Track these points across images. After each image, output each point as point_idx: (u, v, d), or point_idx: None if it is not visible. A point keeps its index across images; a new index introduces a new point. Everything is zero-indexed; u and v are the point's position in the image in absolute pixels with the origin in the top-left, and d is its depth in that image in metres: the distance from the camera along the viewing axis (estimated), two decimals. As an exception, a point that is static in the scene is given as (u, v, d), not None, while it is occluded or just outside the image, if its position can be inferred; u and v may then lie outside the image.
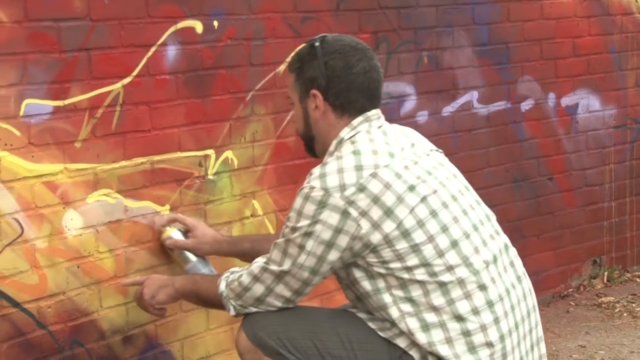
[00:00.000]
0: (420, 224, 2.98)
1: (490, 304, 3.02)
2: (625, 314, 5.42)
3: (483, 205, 3.19)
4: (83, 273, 3.68)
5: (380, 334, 3.04)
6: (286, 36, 4.32)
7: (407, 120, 4.87)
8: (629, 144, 5.99)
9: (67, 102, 3.61)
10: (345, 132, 3.10)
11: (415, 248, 2.97)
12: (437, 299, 2.98)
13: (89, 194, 3.69)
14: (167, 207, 3.95)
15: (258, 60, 4.23)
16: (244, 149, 4.21)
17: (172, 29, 3.92)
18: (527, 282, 3.17)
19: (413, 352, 3.00)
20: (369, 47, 3.18)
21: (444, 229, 3.01)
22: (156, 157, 3.91)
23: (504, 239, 3.20)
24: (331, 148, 3.13)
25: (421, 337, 2.97)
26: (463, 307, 2.99)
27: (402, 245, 2.97)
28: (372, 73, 3.11)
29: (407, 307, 2.99)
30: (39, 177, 3.54)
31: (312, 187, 3.02)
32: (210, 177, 4.10)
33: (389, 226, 2.95)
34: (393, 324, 3.02)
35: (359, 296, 3.09)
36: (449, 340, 2.97)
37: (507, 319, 3.04)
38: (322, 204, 2.97)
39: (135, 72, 3.81)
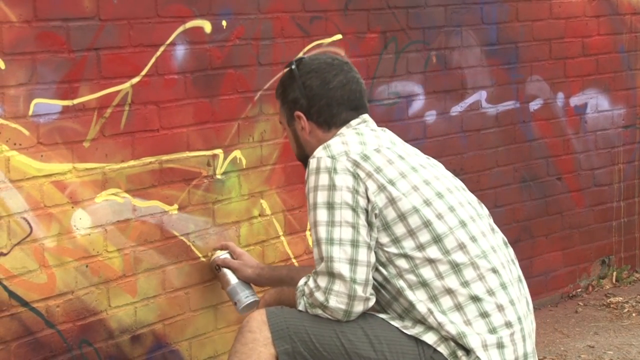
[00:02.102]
0: (427, 202, 3.06)
1: (503, 286, 3.07)
2: (634, 314, 5.41)
3: (477, 205, 3.21)
4: (92, 272, 3.69)
5: (406, 332, 3.04)
6: (295, 36, 4.33)
7: (416, 120, 4.87)
8: (638, 144, 5.98)
9: (76, 101, 3.62)
10: (343, 130, 3.20)
11: (428, 223, 3.03)
12: (451, 281, 3.01)
13: (97, 194, 3.69)
14: (176, 206, 3.96)
15: (266, 60, 4.23)
16: (252, 148, 4.21)
17: (180, 29, 3.93)
18: (526, 287, 3.20)
19: (442, 349, 3.00)
20: (347, 61, 3.27)
21: (451, 210, 3.09)
22: (165, 157, 3.91)
23: (503, 236, 3.23)
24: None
25: (439, 317, 2.98)
26: (478, 288, 3.03)
27: (414, 220, 3.02)
28: (351, 85, 3.21)
29: (421, 293, 3.01)
30: (48, 177, 3.55)
31: (319, 158, 3.08)
32: (219, 176, 4.11)
33: (394, 191, 3.02)
34: (415, 311, 3.01)
35: (377, 289, 3.09)
36: (467, 323, 2.99)
37: (520, 304, 3.08)
38: (333, 170, 3.04)
39: (144, 72, 3.82)
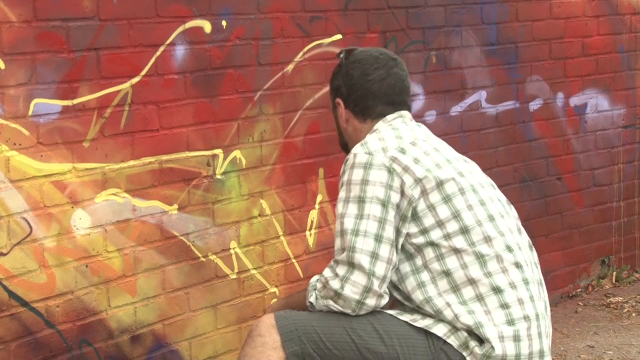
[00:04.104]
0: (462, 191, 3.10)
1: (525, 282, 3.09)
2: (633, 314, 5.41)
3: (505, 204, 3.25)
4: (91, 272, 3.69)
5: (414, 324, 3.05)
6: (294, 36, 4.33)
7: (415, 120, 4.86)
8: (638, 144, 5.98)
9: (75, 101, 3.62)
10: (379, 125, 3.23)
11: (457, 214, 3.06)
12: (475, 271, 3.03)
13: (97, 194, 3.69)
14: (175, 206, 3.96)
15: (266, 60, 4.23)
16: (252, 148, 4.21)
17: (180, 29, 3.93)
18: (545, 291, 3.22)
19: (452, 340, 3.02)
20: (395, 57, 3.29)
21: (482, 203, 3.13)
22: (164, 157, 3.91)
23: (529, 240, 3.26)
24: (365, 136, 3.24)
25: (457, 309, 3.00)
26: (500, 279, 3.06)
27: (443, 210, 3.06)
28: (390, 80, 3.25)
29: (443, 284, 3.04)
30: (48, 177, 3.55)
31: (356, 154, 3.12)
32: (219, 176, 4.11)
33: (429, 182, 3.05)
34: (429, 305, 3.03)
35: (394, 284, 3.11)
36: (487, 313, 3.02)
37: (539, 302, 3.11)
38: (368, 166, 3.07)
39: (143, 72, 3.82)
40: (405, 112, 3.27)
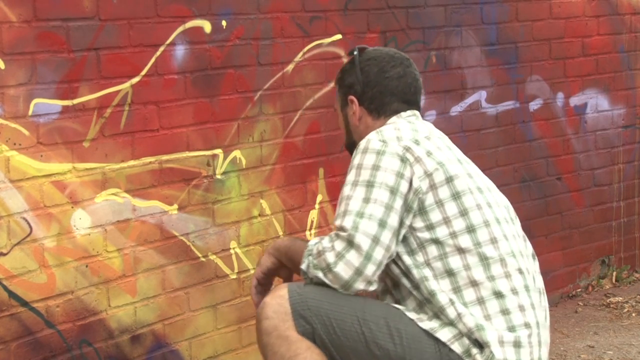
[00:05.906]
0: (471, 191, 3.09)
1: (527, 289, 3.07)
2: (633, 314, 5.41)
3: (511, 211, 3.24)
4: (91, 272, 3.69)
5: (420, 325, 3.03)
6: (294, 36, 4.33)
7: (416, 120, 4.87)
8: (638, 144, 5.98)
9: (75, 101, 3.62)
10: (394, 119, 3.23)
11: (464, 212, 3.05)
12: (478, 274, 3.01)
13: (97, 194, 3.70)
14: (175, 206, 3.96)
15: (266, 60, 4.23)
16: (252, 148, 4.22)
17: (180, 29, 3.93)
18: (546, 300, 3.20)
19: (456, 346, 3.00)
20: (408, 57, 3.29)
21: (489, 205, 3.12)
22: (164, 157, 3.91)
23: (532, 250, 3.24)
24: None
25: (460, 308, 2.98)
26: (503, 284, 3.03)
27: (451, 207, 3.04)
28: (407, 79, 3.24)
29: (445, 284, 3.02)
30: (48, 177, 3.55)
31: (370, 140, 3.10)
32: (219, 176, 4.11)
33: (439, 176, 3.04)
34: (435, 300, 3.01)
35: (394, 280, 3.09)
36: (487, 318, 3.00)
37: (539, 311, 3.10)
38: (381, 152, 3.06)
39: (143, 72, 3.82)
40: (417, 113, 3.27)
